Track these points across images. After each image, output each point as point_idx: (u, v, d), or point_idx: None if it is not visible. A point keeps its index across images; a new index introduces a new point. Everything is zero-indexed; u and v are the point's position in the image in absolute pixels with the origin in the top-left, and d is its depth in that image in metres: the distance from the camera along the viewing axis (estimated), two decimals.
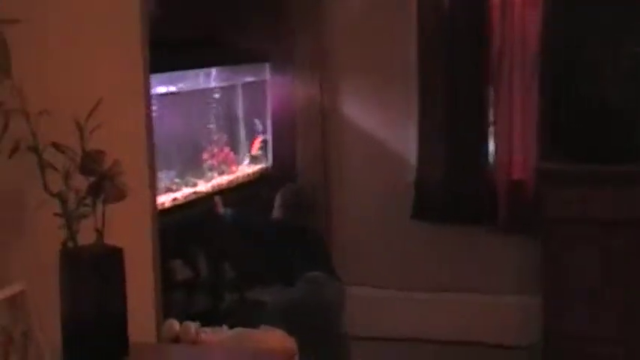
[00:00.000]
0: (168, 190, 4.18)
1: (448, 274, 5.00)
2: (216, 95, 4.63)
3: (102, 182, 2.24)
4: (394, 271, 5.08)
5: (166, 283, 4.35)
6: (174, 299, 4.36)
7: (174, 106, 4.17)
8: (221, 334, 3.18)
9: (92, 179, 2.23)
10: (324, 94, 5.01)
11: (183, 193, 4.25)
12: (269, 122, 4.98)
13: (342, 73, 5.04)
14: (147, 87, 3.05)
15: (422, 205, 4.94)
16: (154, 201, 3.29)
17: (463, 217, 4.87)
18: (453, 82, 4.79)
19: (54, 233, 2.18)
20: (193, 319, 4.47)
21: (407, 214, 4.95)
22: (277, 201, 4.37)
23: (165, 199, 4.05)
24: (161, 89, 4.02)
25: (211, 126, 4.60)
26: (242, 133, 4.90)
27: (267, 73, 4.96)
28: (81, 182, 2.17)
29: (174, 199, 4.15)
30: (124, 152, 2.91)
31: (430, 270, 5.03)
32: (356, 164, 5.10)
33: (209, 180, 4.50)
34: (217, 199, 4.31)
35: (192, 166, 4.41)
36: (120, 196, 2.31)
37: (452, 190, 4.84)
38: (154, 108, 3.96)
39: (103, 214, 2.21)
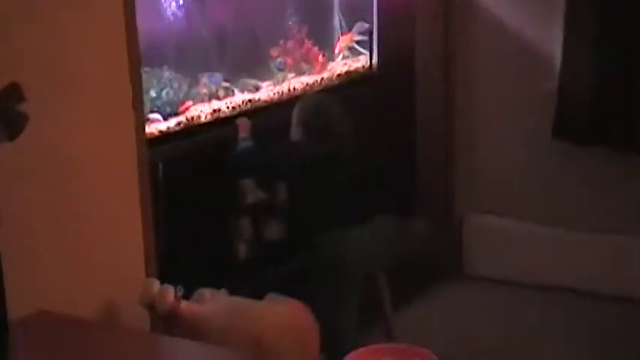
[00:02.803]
0: (213, 97, 3.61)
1: (591, 210, 4.15)
2: None
3: None
4: (526, 200, 4.25)
5: (234, 206, 3.90)
6: (244, 225, 3.89)
7: None
8: (211, 303, 2.64)
9: None
10: None
11: (234, 101, 3.63)
12: (374, 8, 4.23)
13: None
14: None
15: (564, 122, 4.06)
16: (142, 124, 2.76)
17: (615, 140, 3.97)
18: None
19: None
20: (265, 248, 4.04)
21: (546, 130, 4.13)
22: (294, 118, 3.44)
23: (201, 111, 3.49)
24: None
25: (288, 14, 3.94)
26: (335, 21, 4.21)
27: None
28: None
29: (215, 111, 3.53)
30: (88, 60, 2.43)
31: (569, 202, 4.18)
32: (485, 64, 4.24)
33: (279, 82, 3.88)
34: (243, 121, 3.49)
35: (253, 66, 3.78)
36: (12, 133, 1.88)
37: (602, 105, 3.93)
38: None
39: None
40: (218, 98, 3.61)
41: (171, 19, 3.36)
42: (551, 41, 4.04)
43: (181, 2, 3.39)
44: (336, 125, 3.36)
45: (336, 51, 4.14)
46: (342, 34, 4.19)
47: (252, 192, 3.80)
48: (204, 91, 3.56)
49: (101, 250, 2.55)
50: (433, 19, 4.22)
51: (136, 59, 2.69)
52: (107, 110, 2.54)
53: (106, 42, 2.51)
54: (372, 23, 4.18)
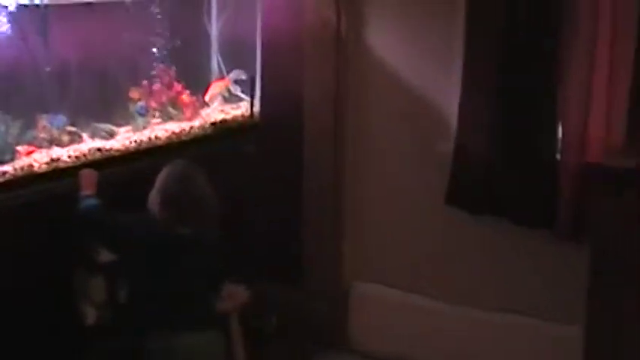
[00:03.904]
0: (54, 143, 3.16)
1: (479, 284, 3.80)
2: (165, 6, 3.51)
3: None
4: (414, 270, 3.91)
5: (81, 266, 3.47)
6: (94, 287, 3.46)
7: (76, 20, 3.11)
8: None
9: None
10: (342, 16, 3.83)
11: (79, 149, 3.16)
12: (258, 51, 3.84)
13: None
14: None
15: (459, 189, 3.69)
16: None
17: (512, 210, 3.61)
18: (511, 24, 3.45)
19: None
20: (120, 312, 3.60)
21: (440, 196, 3.78)
22: (155, 188, 2.93)
23: (34, 159, 3.01)
24: None
25: (155, 52, 3.52)
26: (213, 64, 3.81)
27: None
28: None
29: (54, 161, 3.05)
30: None
31: (459, 275, 3.82)
32: (379, 117, 3.88)
33: (139, 129, 3.45)
34: (87, 173, 3.04)
35: (107, 109, 3.35)
36: None
37: (500, 172, 3.58)
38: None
39: None
40: (61, 145, 3.16)
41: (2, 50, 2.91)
42: (449, 98, 3.70)
43: (15, 31, 2.92)
44: (201, 205, 2.90)
45: (207, 98, 3.72)
46: (215, 80, 3.78)
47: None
48: (43, 135, 3.11)
49: None
50: (322, 66, 3.84)
51: None
52: None
53: None
54: (254, 67, 3.79)
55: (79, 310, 3.42)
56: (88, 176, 3.03)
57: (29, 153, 2.97)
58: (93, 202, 2.96)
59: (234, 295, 3.14)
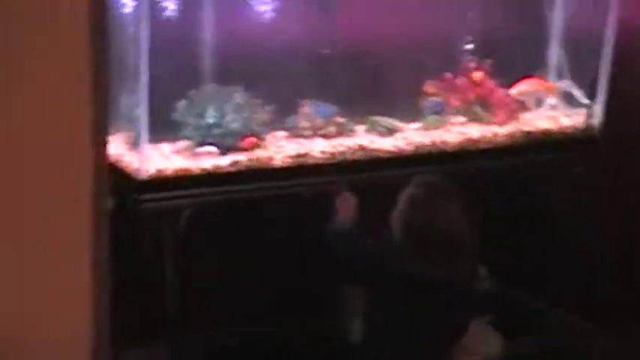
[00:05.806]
0: (318, 133, 2.76)
1: None
2: None
3: None
4: None
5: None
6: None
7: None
8: None
9: None
10: None
11: (341, 144, 2.73)
12: (608, 49, 3.09)
13: None
14: None
15: None
16: (102, 164, 2.07)
17: None
18: None
19: None
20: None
21: None
22: (396, 210, 2.41)
23: (277, 151, 2.66)
24: None
25: (465, 38, 2.96)
26: (551, 58, 3.13)
27: None
28: None
29: (299, 156, 2.63)
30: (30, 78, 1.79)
31: None
32: None
33: (429, 128, 2.90)
34: (345, 197, 2.58)
35: (393, 102, 2.85)
36: None
37: None
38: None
39: None
40: (326, 136, 2.79)
41: (269, 25, 2.60)
42: None
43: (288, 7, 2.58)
44: (452, 243, 2.36)
45: (512, 91, 3.05)
46: (532, 77, 3.10)
47: None
48: (304, 124, 2.76)
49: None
50: None
51: (103, 81, 2.00)
52: (53, 148, 1.85)
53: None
54: (596, 68, 3.07)
55: (344, 325, 3.10)
56: (346, 201, 2.61)
57: (250, 144, 2.63)
58: (347, 228, 2.54)
59: (476, 346, 2.60)
